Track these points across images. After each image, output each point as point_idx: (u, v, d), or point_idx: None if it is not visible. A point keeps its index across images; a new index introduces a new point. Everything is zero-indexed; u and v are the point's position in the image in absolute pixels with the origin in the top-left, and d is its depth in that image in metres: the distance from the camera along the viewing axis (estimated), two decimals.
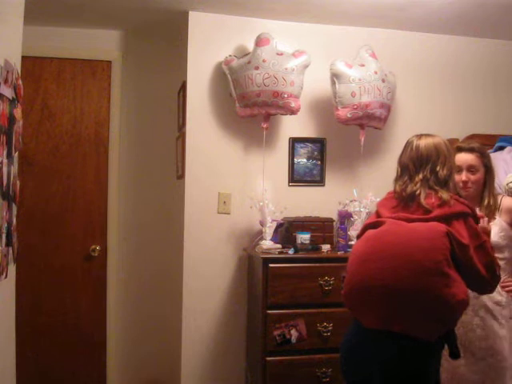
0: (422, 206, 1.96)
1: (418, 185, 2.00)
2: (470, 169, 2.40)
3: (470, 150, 2.42)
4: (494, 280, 2.00)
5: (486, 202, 2.41)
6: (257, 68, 2.94)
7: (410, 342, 1.83)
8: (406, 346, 1.83)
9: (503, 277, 2.37)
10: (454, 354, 1.96)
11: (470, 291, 1.98)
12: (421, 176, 2.01)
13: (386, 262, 1.88)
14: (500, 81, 3.60)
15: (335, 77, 3.03)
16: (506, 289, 2.35)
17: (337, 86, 3.03)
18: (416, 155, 2.05)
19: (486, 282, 1.96)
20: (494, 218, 2.39)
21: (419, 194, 1.98)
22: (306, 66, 3.05)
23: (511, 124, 3.51)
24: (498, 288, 2.34)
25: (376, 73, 3.07)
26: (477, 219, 2.03)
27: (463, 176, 2.41)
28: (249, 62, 2.97)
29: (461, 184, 2.43)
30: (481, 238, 1.95)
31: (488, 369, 2.28)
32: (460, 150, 2.46)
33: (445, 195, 1.96)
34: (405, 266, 1.85)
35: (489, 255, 1.96)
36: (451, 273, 1.84)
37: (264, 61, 2.95)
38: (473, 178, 2.40)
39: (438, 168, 2.01)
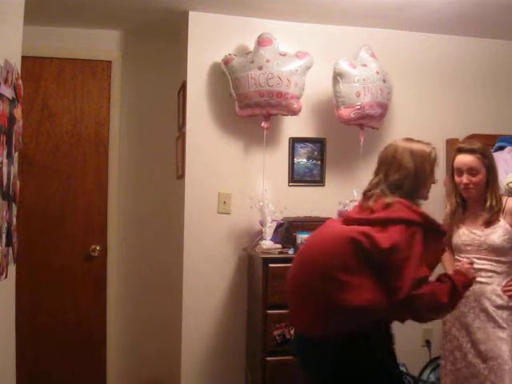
0: (370, 208, 1.98)
1: (374, 186, 2.03)
2: (471, 171, 2.37)
3: (471, 152, 2.39)
4: (414, 302, 1.81)
5: (488, 203, 2.39)
6: (260, 68, 2.94)
7: (315, 341, 1.92)
8: (311, 345, 1.94)
9: (505, 280, 2.37)
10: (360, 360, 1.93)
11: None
12: (377, 178, 2.04)
13: (296, 265, 2.00)
14: (500, 81, 3.60)
15: (339, 76, 3.02)
16: (508, 293, 2.34)
17: (340, 85, 3.02)
18: (379, 156, 2.10)
19: (406, 298, 1.80)
20: (498, 220, 2.38)
21: (371, 195, 2.01)
22: (309, 68, 3.05)
23: (511, 124, 3.51)
24: (500, 291, 2.35)
25: (378, 73, 3.08)
26: (437, 232, 1.94)
27: (464, 178, 2.39)
28: (251, 62, 2.97)
29: (462, 186, 2.42)
30: (413, 250, 1.83)
31: (488, 372, 2.28)
32: (460, 151, 2.43)
33: (389, 199, 1.94)
34: (305, 270, 1.93)
35: (417, 272, 1.81)
36: (347, 278, 1.81)
37: (268, 61, 2.95)
38: (474, 180, 2.38)
39: (390, 172, 2.01)
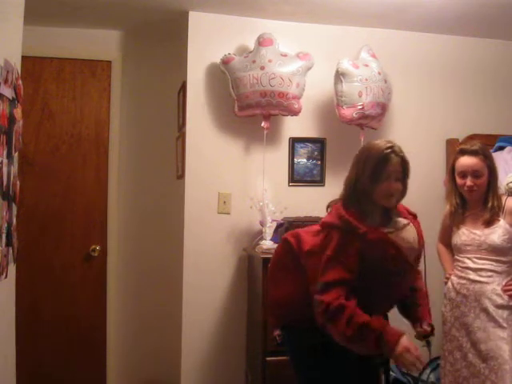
0: None
1: None
2: (475, 173, 2.37)
3: (474, 153, 2.38)
4: (314, 305, 1.82)
5: (490, 204, 2.39)
6: (263, 68, 2.94)
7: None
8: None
9: (505, 280, 2.37)
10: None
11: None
12: None
13: None
14: (500, 81, 3.60)
15: (342, 76, 3.02)
16: (508, 293, 2.34)
17: (343, 85, 3.01)
18: None
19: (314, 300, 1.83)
20: (498, 220, 2.38)
21: None
22: (310, 68, 3.06)
23: (511, 124, 3.51)
24: (500, 291, 2.35)
25: (380, 73, 3.08)
26: (357, 236, 1.83)
27: (468, 181, 2.38)
28: (253, 62, 2.96)
29: (466, 188, 2.41)
30: (324, 253, 1.84)
31: (488, 371, 2.28)
32: (463, 153, 2.42)
33: (331, 201, 2.03)
34: None
35: (323, 276, 1.81)
36: (278, 274, 2.03)
37: (270, 61, 2.95)
38: (478, 182, 2.38)
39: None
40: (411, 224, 2.00)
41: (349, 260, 1.81)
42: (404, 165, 1.91)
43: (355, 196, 1.91)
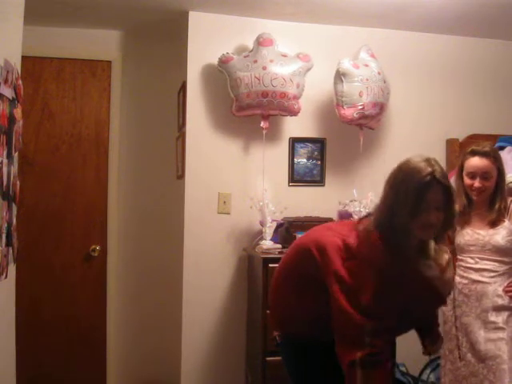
0: None
1: None
2: (485, 175, 2.36)
3: (485, 155, 2.37)
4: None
5: (497, 205, 2.38)
6: (264, 68, 2.94)
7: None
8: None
9: (507, 281, 2.37)
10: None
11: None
12: None
13: None
14: (500, 81, 3.60)
15: (343, 76, 3.01)
16: (509, 293, 2.34)
17: (344, 85, 3.01)
18: None
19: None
20: (503, 221, 2.38)
21: None
22: (309, 69, 3.07)
23: (511, 124, 3.51)
24: (501, 292, 2.35)
25: (379, 73, 3.08)
26: (395, 274, 1.66)
27: (477, 182, 2.37)
28: (255, 62, 2.96)
29: (473, 189, 2.39)
30: (364, 292, 1.65)
31: (487, 371, 2.28)
32: (474, 153, 2.41)
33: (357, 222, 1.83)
34: None
35: (369, 319, 1.62)
36: (285, 283, 1.88)
37: (271, 61, 2.95)
38: (487, 184, 2.37)
39: None
40: (449, 253, 1.79)
41: (389, 302, 1.64)
42: (448, 191, 1.63)
43: (392, 228, 1.64)
